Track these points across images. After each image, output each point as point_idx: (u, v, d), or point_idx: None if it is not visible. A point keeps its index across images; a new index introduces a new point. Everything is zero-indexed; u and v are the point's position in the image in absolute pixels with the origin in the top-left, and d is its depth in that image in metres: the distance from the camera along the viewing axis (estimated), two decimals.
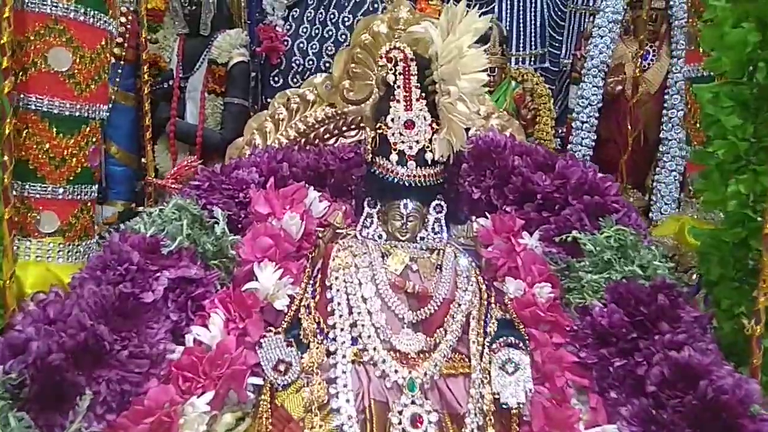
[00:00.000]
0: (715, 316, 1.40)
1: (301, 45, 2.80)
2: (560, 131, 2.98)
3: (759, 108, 1.27)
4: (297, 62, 2.80)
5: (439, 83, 1.49)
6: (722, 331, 1.38)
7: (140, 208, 2.57)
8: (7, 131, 1.29)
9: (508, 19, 3.22)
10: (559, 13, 3.28)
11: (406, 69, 1.54)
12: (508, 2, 3.24)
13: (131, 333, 1.29)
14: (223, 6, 2.87)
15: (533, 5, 3.27)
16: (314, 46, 2.78)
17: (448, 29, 1.47)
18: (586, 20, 3.14)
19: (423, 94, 1.55)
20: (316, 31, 2.79)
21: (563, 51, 3.30)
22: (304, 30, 2.81)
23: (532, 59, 3.26)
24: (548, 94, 2.89)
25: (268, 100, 2.67)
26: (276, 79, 2.83)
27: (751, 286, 1.30)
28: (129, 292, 1.32)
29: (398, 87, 1.55)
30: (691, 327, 1.29)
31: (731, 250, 1.35)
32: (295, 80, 2.74)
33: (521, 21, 3.24)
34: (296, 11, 2.84)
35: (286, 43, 2.79)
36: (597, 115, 2.69)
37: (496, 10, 3.21)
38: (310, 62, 2.77)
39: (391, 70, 1.55)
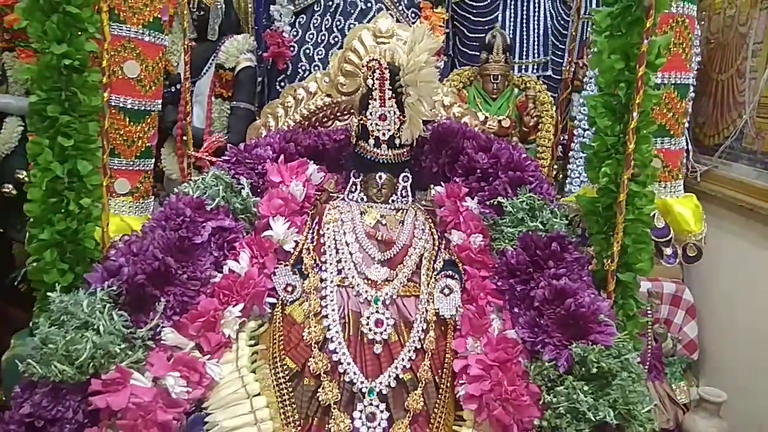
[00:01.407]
0: (594, 259, 1.74)
1: (308, 51, 2.76)
2: (562, 138, 2.85)
3: (622, 114, 1.61)
4: (303, 68, 2.75)
5: (404, 87, 1.79)
6: (597, 269, 1.72)
7: (180, 186, 2.52)
8: (105, 125, 1.62)
9: (512, 28, 3.11)
10: (563, 21, 3.15)
11: (382, 75, 1.82)
12: (512, 11, 3.12)
13: (188, 263, 1.58)
14: (231, 11, 2.82)
15: (537, 14, 3.13)
16: (320, 52, 2.75)
17: (411, 48, 1.76)
18: (589, 29, 2.84)
19: (393, 95, 1.84)
20: (323, 37, 2.74)
21: (566, 59, 2.95)
22: (311, 36, 2.76)
23: (535, 67, 3.14)
24: (551, 101, 2.82)
25: None
26: (282, 84, 2.78)
27: (612, 238, 1.65)
28: (185, 235, 1.61)
29: (375, 89, 1.83)
30: (570, 265, 1.61)
31: (602, 212, 1.68)
32: None
33: (525, 29, 3.12)
34: (303, 18, 2.78)
35: (292, 48, 2.74)
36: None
37: (499, 18, 3.12)
38: (316, 68, 2.74)
39: (370, 75, 1.85)
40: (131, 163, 2.00)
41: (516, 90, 2.88)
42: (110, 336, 1.43)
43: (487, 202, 1.80)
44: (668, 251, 1.95)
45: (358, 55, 2.14)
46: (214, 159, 2.22)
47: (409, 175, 1.94)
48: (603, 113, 1.65)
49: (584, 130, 2.61)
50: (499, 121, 2.80)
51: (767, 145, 2.47)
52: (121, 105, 1.92)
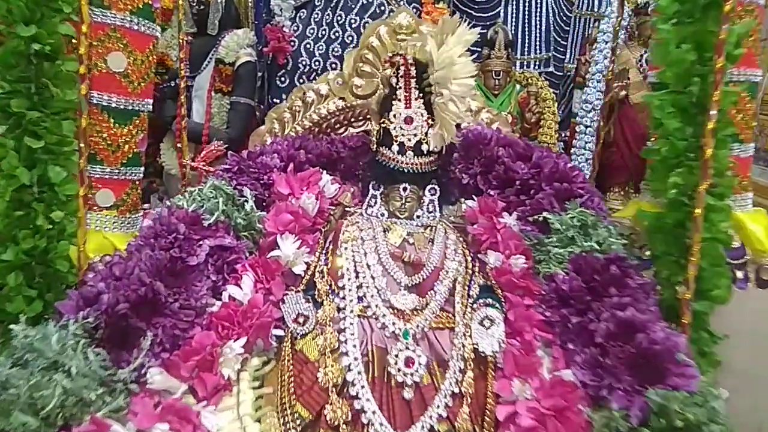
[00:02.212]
0: (659, 285, 1.56)
1: (308, 46, 2.75)
2: (564, 135, 2.95)
3: (695, 114, 1.45)
4: (303, 63, 2.74)
5: (434, 86, 1.66)
6: (663, 296, 1.54)
7: (146, 206, 2.54)
8: (83, 124, 1.46)
9: (514, 24, 3.15)
10: (564, 18, 3.21)
11: (407, 72, 1.71)
12: (514, 7, 3.17)
13: (180, 289, 1.45)
14: (231, 6, 2.83)
15: (538, 10, 3.18)
16: (321, 48, 2.74)
17: (442, 40, 1.64)
18: (591, 26, 3.09)
19: (420, 94, 1.72)
20: (323, 32, 2.75)
21: (568, 56, 3.22)
22: (311, 31, 2.77)
23: (537, 63, 3.18)
24: (552, 98, 2.83)
25: (275, 99, 2.71)
26: (282, 79, 2.78)
27: (686, 260, 1.48)
28: (178, 256, 1.47)
29: (400, 88, 1.72)
30: (635, 292, 1.45)
31: (671, 230, 1.52)
32: (301, 81, 2.70)
33: (526, 26, 3.17)
34: (303, 12, 2.79)
35: (293, 43, 2.74)
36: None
37: (501, 14, 3.15)
38: (317, 63, 2.73)
39: (394, 73, 1.73)
40: (116, 171, 1.79)
41: (518, 86, 2.88)
42: (84, 379, 1.28)
43: (530, 218, 1.66)
44: (740, 275, 1.75)
45: (375, 53, 2.06)
46: (211, 169, 2.00)
47: (436, 187, 1.81)
48: (672, 113, 1.49)
49: (586, 126, 2.64)
50: (507, 119, 2.71)
51: None
52: (104, 103, 1.72)
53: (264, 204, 1.73)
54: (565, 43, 3.24)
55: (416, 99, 1.72)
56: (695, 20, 1.44)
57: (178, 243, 1.51)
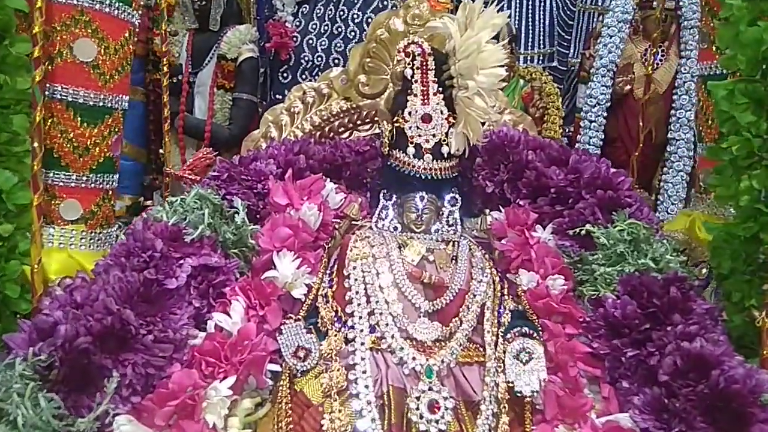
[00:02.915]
0: (726, 309, 1.41)
1: (311, 41, 2.81)
2: (568, 130, 2.97)
3: None
4: (306, 58, 2.80)
5: (456, 78, 1.52)
6: (732, 323, 1.39)
7: (148, 202, 2.61)
8: (38, 119, 1.32)
9: (517, 18, 3.19)
10: (568, 12, 3.25)
11: (424, 63, 1.57)
12: (518, 2, 3.22)
13: (155, 318, 1.31)
14: (233, 2, 2.88)
15: (542, 4, 3.24)
16: (323, 43, 2.79)
17: (466, 24, 1.50)
18: (595, 20, 3.10)
19: (440, 89, 1.57)
20: (326, 27, 2.79)
21: (572, 50, 3.27)
22: (314, 26, 2.81)
23: (541, 58, 3.23)
24: (557, 92, 2.87)
25: (277, 96, 2.73)
26: (285, 75, 2.83)
27: (762, 280, 1.32)
28: (153, 278, 1.34)
29: (416, 81, 1.58)
30: (702, 319, 1.31)
31: (743, 244, 1.36)
32: (303, 76, 2.74)
33: (530, 20, 3.22)
34: (306, 7, 2.84)
35: (295, 39, 2.79)
36: (605, 114, 2.67)
37: (505, 8, 3.13)
38: (319, 59, 2.78)
39: (409, 64, 1.58)
40: (84, 178, 1.65)
41: (521, 81, 2.90)
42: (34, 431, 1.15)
43: (569, 232, 1.53)
44: None
45: (385, 46, 1.91)
46: (197, 178, 1.86)
47: (457, 196, 1.64)
48: (745, 105, 1.31)
49: (590, 122, 2.68)
50: (532, 121, 2.68)
51: None
52: (69, 98, 1.59)
53: (258, 216, 1.61)
54: (569, 37, 3.27)
55: (435, 94, 1.57)
56: None
57: (154, 262, 1.38)
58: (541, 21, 3.23)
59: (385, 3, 2.75)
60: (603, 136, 2.69)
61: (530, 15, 3.21)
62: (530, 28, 3.21)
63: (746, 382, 1.20)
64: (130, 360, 1.26)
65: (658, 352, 1.28)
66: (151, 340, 1.29)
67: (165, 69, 2.23)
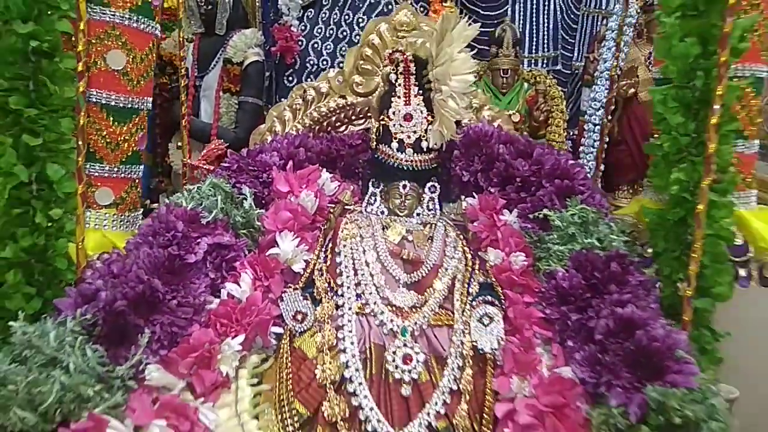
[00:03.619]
0: (661, 282, 1.57)
1: (316, 45, 2.78)
2: (572, 133, 2.96)
3: (698, 109, 1.44)
4: (311, 62, 2.77)
5: (433, 82, 1.67)
6: (665, 294, 1.54)
7: (155, 205, 2.63)
8: (82, 122, 1.47)
9: (522, 22, 3.16)
10: (572, 16, 3.22)
11: (406, 69, 1.72)
12: (522, 5, 3.18)
13: (178, 286, 1.45)
14: (239, 6, 2.85)
15: (546, 8, 3.19)
16: (328, 47, 2.77)
17: (441, 36, 1.64)
18: (599, 23, 3.10)
19: (420, 91, 1.73)
20: (331, 31, 2.77)
21: (576, 54, 3.24)
22: (319, 30, 2.79)
23: (545, 61, 3.20)
24: (561, 96, 2.83)
25: (282, 99, 2.55)
26: (290, 78, 2.81)
27: (688, 257, 1.47)
28: (176, 254, 1.48)
29: (399, 85, 1.74)
30: (635, 289, 1.46)
31: (673, 227, 1.51)
32: (309, 80, 2.68)
33: (534, 24, 3.18)
34: (311, 12, 2.81)
35: (300, 43, 2.78)
36: (609, 117, 2.54)
37: (509, 12, 3.16)
38: (324, 62, 2.75)
39: (393, 70, 1.74)
40: (115, 169, 1.81)
41: (526, 84, 2.89)
42: (82, 375, 1.28)
43: (530, 216, 1.68)
44: (742, 272, 1.74)
45: (376, 50, 2.06)
46: (211, 168, 2.01)
47: (436, 184, 1.81)
48: (675, 108, 1.48)
49: (594, 125, 2.61)
50: (509, 116, 2.72)
51: None
52: (103, 101, 1.74)
53: (263, 202, 1.73)
54: (573, 41, 3.25)
55: (416, 96, 1.73)
56: (699, 13, 1.43)
57: (176, 241, 1.51)
58: (546, 25, 3.20)
59: (390, 7, 2.73)
60: (607, 139, 2.62)
61: (535, 19, 3.18)
62: (534, 32, 3.19)
63: (665, 340, 1.34)
64: (158, 320, 1.40)
65: (596, 316, 1.42)
66: (175, 304, 1.43)
67: (182, 72, 2.26)
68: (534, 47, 3.19)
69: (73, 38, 1.45)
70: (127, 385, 1.34)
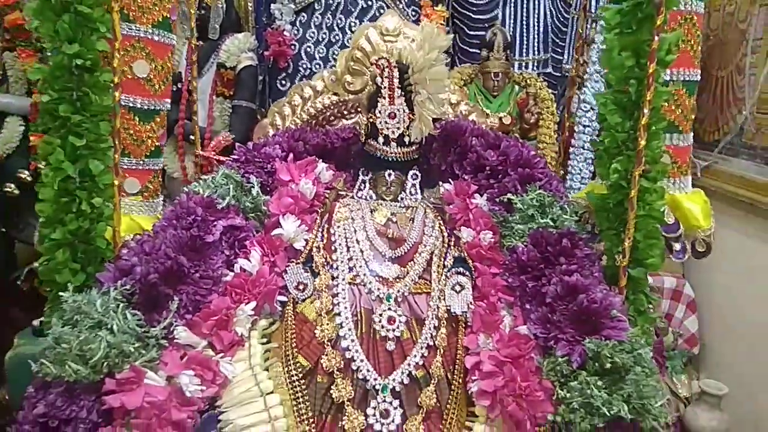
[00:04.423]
0: (605, 255, 1.74)
1: (309, 49, 2.77)
2: (562, 135, 2.86)
3: (632, 111, 1.61)
4: (304, 66, 2.76)
5: (414, 86, 1.81)
6: (607, 265, 1.72)
7: (190, 185, 2.51)
8: (117, 125, 1.61)
9: (512, 25, 3.14)
10: (562, 19, 3.19)
11: (390, 73, 1.85)
12: (512, 9, 3.16)
13: (200, 262, 1.58)
14: (232, 10, 2.81)
15: (536, 12, 3.18)
16: (321, 51, 2.77)
17: (420, 46, 1.78)
18: (588, 26, 2.94)
19: (402, 93, 1.86)
20: (323, 36, 2.76)
21: (566, 56, 3.19)
22: (312, 35, 2.77)
23: (536, 64, 3.18)
24: (551, 98, 2.85)
25: None
26: (283, 82, 2.80)
27: (623, 234, 1.64)
28: (197, 234, 1.60)
29: (384, 87, 1.86)
30: (581, 261, 1.62)
31: (613, 209, 1.68)
32: None
33: (525, 27, 3.17)
34: (304, 16, 2.78)
35: (293, 47, 2.75)
36: (598, 119, 2.35)
37: (500, 16, 3.16)
38: (317, 66, 2.75)
39: (379, 74, 1.87)
40: (141, 162, 1.98)
41: (516, 87, 2.88)
42: (124, 335, 1.43)
43: (497, 199, 1.80)
44: (677, 247, 1.96)
45: (365, 53, 2.17)
46: (221, 158, 2.19)
47: (417, 173, 1.96)
48: (613, 110, 1.64)
49: (584, 126, 2.63)
50: (500, 119, 2.82)
51: (767, 140, 2.51)
52: (131, 105, 1.91)
53: (268, 189, 1.82)
54: (563, 44, 3.21)
55: (399, 97, 1.84)
56: (633, 31, 1.59)
57: (196, 223, 1.63)
58: (536, 28, 3.18)
59: (381, 11, 2.72)
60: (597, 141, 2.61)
61: (525, 22, 3.16)
62: (525, 35, 3.17)
63: (602, 302, 1.53)
64: (184, 290, 1.53)
65: (548, 283, 1.58)
66: (198, 277, 1.56)
67: (194, 74, 2.33)
68: (524, 50, 3.17)
69: (109, 56, 1.59)
70: (161, 344, 1.48)
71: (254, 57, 2.78)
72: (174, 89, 2.52)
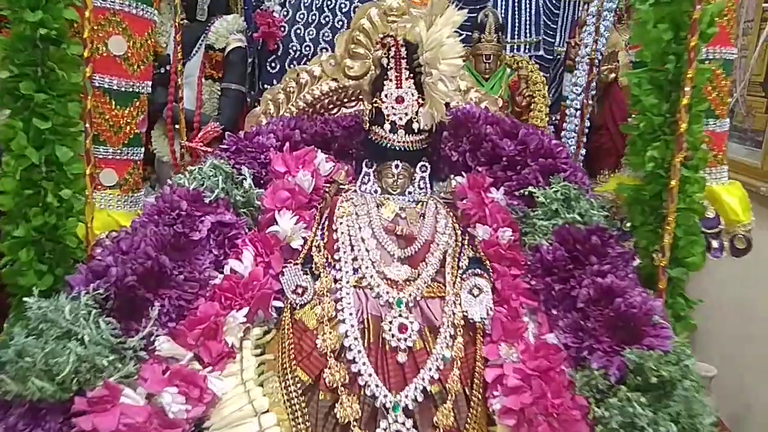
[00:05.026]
0: (637, 254, 1.61)
1: (298, 31, 2.73)
2: (554, 118, 2.93)
3: (671, 91, 1.49)
4: (294, 48, 2.73)
5: (424, 66, 1.68)
6: (642, 265, 1.59)
7: (174, 177, 2.52)
8: (88, 106, 1.48)
9: (504, 8, 3.09)
10: (554, 1, 3.14)
11: (397, 53, 1.73)
12: None
13: (184, 262, 1.47)
14: None
15: None
16: (311, 32, 2.73)
17: (431, 22, 1.66)
18: (580, 9, 3.03)
19: (411, 75, 1.73)
20: (313, 17, 2.73)
21: (557, 39, 3.15)
22: (301, 16, 2.74)
23: (527, 47, 3.13)
24: (543, 81, 2.83)
25: (265, 85, 2.64)
26: (273, 64, 2.77)
27: (663, 230, 1.52)
28: (181, 231, 1.49)
29: (391, 68, 1.74)
30: (615, 260, 1.49)
31: (648, 201, 1.56)
32: (292, 66, 2.64)
33: (516, 9, 3.12)
34: None
35: (283, 29, 2.71)
36: (590, 102, 2.56)
37: None
38: (307, 48, 2.72)
39: (385, 54, 1.75)
40: (118, 151, 1.83)
41: (508, 70, 2.88)
42: (97, 347, 1.30)
43: (516, 193, 1.70)
44: (715, 244, 1.82)
45: (367, 34, 2.06)
46: (208, 149, 2.03)
47: (427, 164, 1.84)
48: (649, 90, 1.52)
49: (576, 110, 2.61)
50: (495, 99, 2.65)
51: (758, 124, 2.50)
52: (105, 86, 1.75)
53: (262, 182, 1.74)
54: (555, 26, 3.19)
55: (407, 79, 1.73)
56: (671, 1, 1.47)
57: (180, 219, 1.53)
58: (528, 10, 3.13)
59: None
60: (588, 124, 2.62)
61: (516, 5, 3.12)
62: (516, 17, 3.12)
63: (642, 307, 1.39)
64: (166, 294, 1.42)
65: (578, 286, 1.46)
66: (182, 279, 1.45)
67: (179, 56, 2.24)
68: (516, 32, 3.15)
69: (78, 25, 1.46)
70: (139, 356, 1.37)
71: (243, 39, 2.73)
72: (162, 71, 2.56)
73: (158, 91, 2.52)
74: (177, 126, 2.40)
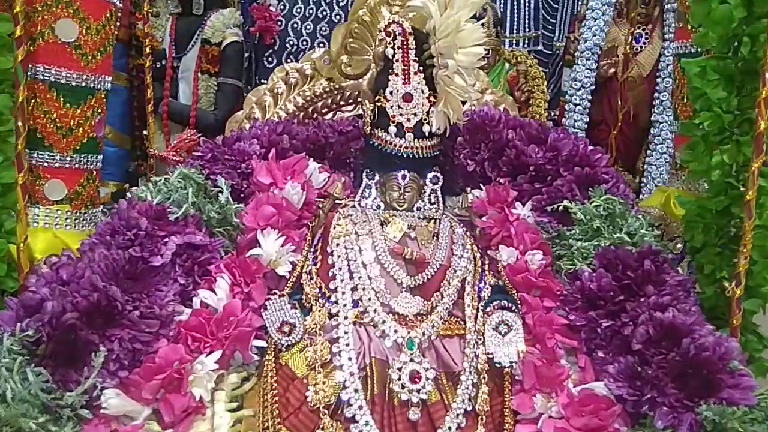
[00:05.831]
0: (699, 281, 1.44)
1: (295, 25, 2.82)
2: (553, 113, 2.98)
3: (743, 81, 1.31)
4: (291, 42, 2.82)
5: (437, 57, 1.52)
6: (705, 295, 1.42)
7: (133, 189, 2.57)
8: (20, 98, 1.31)
9: (503, 2, 3.20)
10: None
11: (405, 43, 1.56)
12: None
13: (141, 294, 1.33)
14: None
15: None
16: (308, 27, 2.81)
17: (445, 4, 1.49)
18: (580, 3, 3.02)
19: (421, 68, 1.57)
20: (310, 11, 2.80)
21: (557, 34, 3.27)
22: (298, 10, 2.82)
23: (526, 42, 3.25)
24: (542, 76, 2.88)
25: (262, 80, 2.64)
26: (270, 59, 2.85)
27: (732, 252, 1.34)
28: (138, 256, 1.36)
29: (397, 60, 1.58)
30: (675, 290, 1.33)
31: (714, 218, 1.39)
32: (288, 60, 2.70)
33: (515, 3, 3.23)
34: None
35: (279, 23, 2.80)
36: (590, 97, 2.68)
37: None
38: (304, 42, 2.79)
39: (390, 44, 1.58)
40: (68, 158, 1.65)
41: (507, 65, 2.91)
42: (23, 405, 1.17)
43: (547, 208, 1.56)
44: None
45: (366, 26, 1.89)
46: (181, 159, 1.85)
47: (439, 174, 1.66)
48: (716, 81, 1.33)
49: (575, 105, 2.69)
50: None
51: None
52: (51, 79, 1.57)
53: (242, 196, 1.61)
54: (554, 21, 3.29)
55: (416, 73, 1.57)
56: None
57: (139, 240, 1.39)
58: (527, 5, 3.24)
59: None
60: (588, 119, 2.71)
61: None
62: (515, 12, 3.23)
63: (716, 349, 1.23)
64: (116, 335, 1.27)
65: (632, 322, 1.31)
66: (138, 315, 1.30)
67: (147, 51, 2.21)
68: (515, 27, 3.24)
69: None
70: (79, 415, 1.22)
71: (240, 33, 2.79)
72: (158, 66, 2.62)
73: (154, 86, 2.52)
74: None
